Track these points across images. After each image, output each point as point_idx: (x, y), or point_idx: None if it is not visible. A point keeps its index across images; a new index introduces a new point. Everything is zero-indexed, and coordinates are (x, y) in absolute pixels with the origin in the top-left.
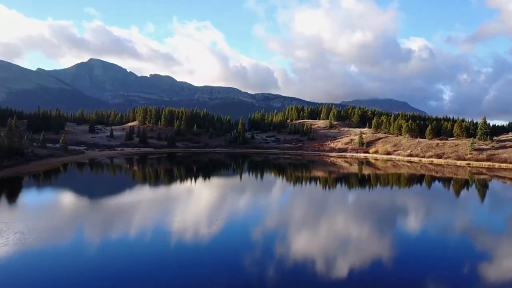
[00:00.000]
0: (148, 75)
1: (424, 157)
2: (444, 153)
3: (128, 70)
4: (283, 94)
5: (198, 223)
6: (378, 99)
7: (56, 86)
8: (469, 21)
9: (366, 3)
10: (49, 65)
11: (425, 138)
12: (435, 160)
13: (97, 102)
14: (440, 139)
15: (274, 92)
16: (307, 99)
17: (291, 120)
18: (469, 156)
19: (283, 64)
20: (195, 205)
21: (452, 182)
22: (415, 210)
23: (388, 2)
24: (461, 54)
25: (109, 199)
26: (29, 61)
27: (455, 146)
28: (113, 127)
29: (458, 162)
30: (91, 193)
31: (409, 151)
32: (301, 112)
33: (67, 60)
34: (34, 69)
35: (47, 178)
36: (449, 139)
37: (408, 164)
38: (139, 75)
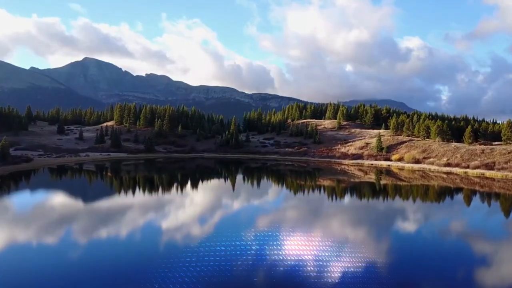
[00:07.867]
0: (144, 75)
1: (468, 167)
2: (494, 163)
3: (123, 70)
4: (280, 94)
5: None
6: (376, 99)
7: (50, 86)
8: (466, 18)
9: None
10: (43, 64)
11: (461, 142)
12: (487, 173)
13: (91, 101)
14: (484, 144)
15: (271, 92)
16: (304, 99)
17: (292, 120)
18: None
19: (278, 63)
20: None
21: (500, 198)
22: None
23: None
24: (459, 53)
25: None
26: (20, 59)
27: (508, 153)
28: (84, 128)
29: None
30: None
31: (445, 159)
32: (304, 111)
33: (58, 58)
34: (27, 67)
35: None
36: (493, 143)
37: (444, 175)
38: (134, 74)
